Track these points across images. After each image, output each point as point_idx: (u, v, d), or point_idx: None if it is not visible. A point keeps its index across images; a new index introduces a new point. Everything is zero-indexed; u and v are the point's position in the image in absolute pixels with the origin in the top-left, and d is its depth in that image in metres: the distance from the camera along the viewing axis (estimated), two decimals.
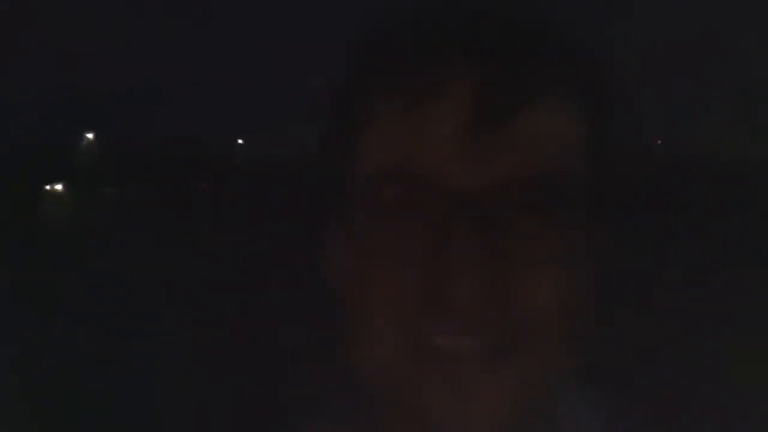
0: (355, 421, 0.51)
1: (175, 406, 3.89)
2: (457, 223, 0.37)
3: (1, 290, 7.11)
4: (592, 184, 0.40)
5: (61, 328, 5.72)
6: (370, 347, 0.42)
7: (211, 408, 3.76)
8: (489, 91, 0.38)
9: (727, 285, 5.47)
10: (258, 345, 4.77)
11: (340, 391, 0.54)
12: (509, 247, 0.38)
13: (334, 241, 0.46)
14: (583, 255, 0.40)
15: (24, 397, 3.98)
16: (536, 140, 0.39)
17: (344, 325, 0.44)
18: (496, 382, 0.39)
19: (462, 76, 0.38)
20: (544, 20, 0.42)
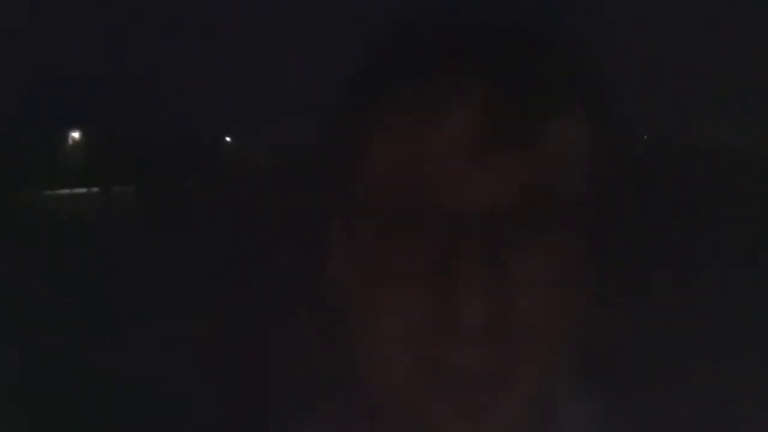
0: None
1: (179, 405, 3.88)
2: (464, 239, 0.37)
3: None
4: (599, 197, 0.41)
5: (55, 328, 5.69)
6: (370, 362, 0.42)
7: (212, 410, 3.76)
8: (498, 107, 0.37)
9: (731, 285, 5.45)
10: (257, 351, 4.74)
11: (344, 405, 0.53)
12: (517, 264, 0.38)
13: (337, 251, 0.46)
14: (591, 269, 0.40)
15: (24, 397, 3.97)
16: (545, 156, 0.39)
17: (344, 336, 0.44)
18: (503, 399, 0.39)
19: (471, 90, 0.38)
20: (551, 31, 0.42)
